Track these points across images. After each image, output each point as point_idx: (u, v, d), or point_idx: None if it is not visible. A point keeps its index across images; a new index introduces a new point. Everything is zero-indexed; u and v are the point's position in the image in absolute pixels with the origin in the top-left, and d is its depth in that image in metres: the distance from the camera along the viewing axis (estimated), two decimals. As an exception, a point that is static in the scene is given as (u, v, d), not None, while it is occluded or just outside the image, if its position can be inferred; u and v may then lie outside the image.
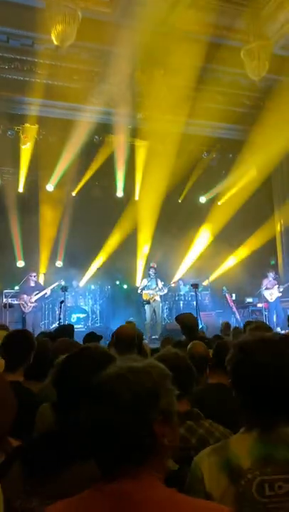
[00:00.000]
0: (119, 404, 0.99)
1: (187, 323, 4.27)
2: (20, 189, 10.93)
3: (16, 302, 9.79)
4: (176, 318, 4.48)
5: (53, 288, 9.79)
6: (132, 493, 0.96)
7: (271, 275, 10.58)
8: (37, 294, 9.63)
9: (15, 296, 9.95)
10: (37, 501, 1.21)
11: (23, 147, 10.49)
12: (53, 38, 7.44)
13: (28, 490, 1.25)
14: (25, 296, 9.56)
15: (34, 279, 9.82)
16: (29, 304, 9.52)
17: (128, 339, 3.50)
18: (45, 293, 9.73)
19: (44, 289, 9.76)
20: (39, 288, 9.76)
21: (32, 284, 9.75)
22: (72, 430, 1.31)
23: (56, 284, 9.85)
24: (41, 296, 9.72)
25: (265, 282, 10.54)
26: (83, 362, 1.52)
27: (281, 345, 1.44)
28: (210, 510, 1.02)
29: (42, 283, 10.24)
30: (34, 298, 9.59)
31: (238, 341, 1.50)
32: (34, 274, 9.92)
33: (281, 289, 10.28)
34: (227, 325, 6.44)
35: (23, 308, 9.52)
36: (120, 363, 1.08)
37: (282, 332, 6.51)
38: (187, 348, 3.15)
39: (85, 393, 1.13)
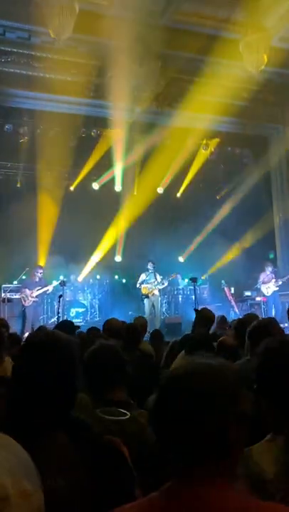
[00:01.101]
0: (204, 403, 0.94)
1: (206, 316, 4.32)
2: (18, 184, 10.89)
3: (14, 297, 9.80)
4: (196, 310, 4.62)
5: (59, 283, 9.81)
6: (211, 501, 0.91)
7: (269, 269, 10.58)
8: (39, 289, 9.66)
9: (14, 290, 9.96)
10: None
11: (20, 141, 10.44)
12: (50, 30, 7.37)
13: None
14: (27, 290, 9.60)
15: (40, 275, 9.85)
16: (30, 298, 9.55)
17: (115, 329, 3.60)
18: (47, 289, 9.76)
19: (47, 285, 9.78)
20: (42, 284, 9.78)
21: (36, 279, 9.79)
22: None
23: (58, 282, 9.90)
24: (43, 293, 9.76)
25: (262, 276, 10.54)
26: None
27: None
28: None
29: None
30: (36, 293, 9.62)
31: (263, 348, 1.45)
32: (41, 270, 9.93)
33: (279, 283, 10.28)
34: (223, 319, 6.37)
35: (24, 302, 9.55)
36: (195, 360, 1.04)
37: (281, 326, 6.49)
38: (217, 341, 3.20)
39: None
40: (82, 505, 1.16)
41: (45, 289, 9.72)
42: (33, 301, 9.60)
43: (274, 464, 1.23)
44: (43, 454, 1.06)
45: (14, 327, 8.17)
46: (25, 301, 9.54)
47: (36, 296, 9.64)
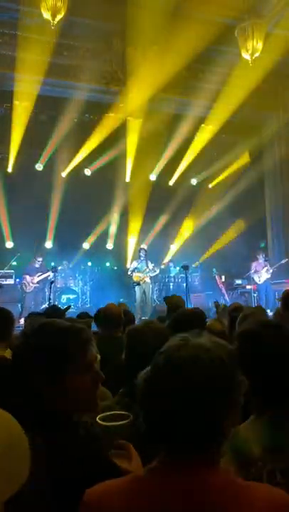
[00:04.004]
0: (204, 387, 0.92)
1: (175, 304, 4.31)
2: (10, 169, 10.74)
3: (5, 282, 9.77)
4: (165, 299, 4.55)
5: (54, 268, 9.85)
6: (198, 481, 0.91)
7: (261, 257, 10.64)
8: (40, 275, 9.77)
9: (4, 276, 9.92)
10: None
11: (11, 125, 10.27)
12: (43, 11, 7.22)
13: None
14: (27, 276, 9.73)
15: (39, 262, 9.97)
16: (31, 285, 9.68)
17: (115, 318, 3.53)
18: (48, 275, 9.84)
19: (48, 271, 9.86)
20: (43, 270, 9.88)
21: (37, 265, 9.91)
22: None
23: (60, 267, 10.03)
24: (44, 278, 9.83)
25: (254, 265, 10.60)
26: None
27: (284, 330, 1.44)
28: (284, 497, 0.95)
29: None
30: (37, 279, 9.73)
31: (242, 330, 1.48)
32: (40, 258, 10.02)
33: (271, 271, 10.36)
34: (218, 304, 6.41)
35: (25, 288, 9.66)
36: (189, 339, 1.00)
37: (271, 313, 6.56)
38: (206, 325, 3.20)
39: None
40: None
41: (46, 274, 9.82)
42: (34, 287, 9.72)
43: (260, 443, 1.27)
44: None
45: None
46: (26, 287, 9.65)
47: (38, 282, 9.75)
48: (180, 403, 0.92)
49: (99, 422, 1.31)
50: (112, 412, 1.37)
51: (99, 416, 1.33)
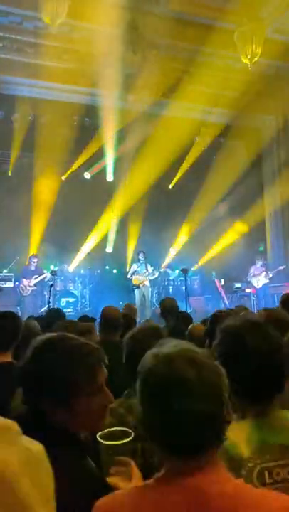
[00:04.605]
0: (202, 393, 0.93)
1: (167, 306, 4.33)
2: (10, 172, 10.75)
3: (4, 286, 9.76)
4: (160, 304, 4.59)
5: (54, 271, 9.80)
6: (208, 486, 0.91)
7: (259, 262, 10.66)
8: (36, 277, 9.71)
9: (3, 279, 9.92)
10: None
11: (12, 129, 10.31)
12: (43, 16, 7.27)
13: None
14: (24, 280, 9.67)
15: (34, 263, 9.87)
16: (28, 288, 9.62)
17: (114, 320, 3.53)
18: (45, 276, 9.79)
19: (44, 272, 9.81)
20: (39, 272, 9.82)
21: (32, 267, 9.83)
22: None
23: (57, 268, 9.94)
24: (41, 280, 9.79)
25: (252, 269, 10.62)
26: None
27: (267, 327, 1.42)
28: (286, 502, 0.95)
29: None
30: (33, 282, 9.68)
31: (225, 326, 1.45)
32: (35, 259, 9.95)
33: (270, 276, 10.36)
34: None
35: (22, 292, 9.61)
36: (177, 346, 1.01)
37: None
38: (188, 329, 3.21)
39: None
40: None
41: (42, 276, 9.76)
42: (32, 290, 9.66)
43: (248, 443, 1.27)
44: None
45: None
46: (23, 290, 9.60)
47: (35, 285, 9.69)
48: (188, 406, 0.93)
49: (100, 440, 1.29)
50: (114, 429, 1.35)
51: (99, 433, 1.31)
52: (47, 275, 9.80)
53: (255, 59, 8.39)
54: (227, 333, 1.42)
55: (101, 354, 1.33)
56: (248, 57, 8.36)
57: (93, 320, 4.04)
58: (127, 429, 1.34)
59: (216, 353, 1.40)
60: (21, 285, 9.68)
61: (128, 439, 1.30)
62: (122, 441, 1.29)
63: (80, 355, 1.27)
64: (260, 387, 1.33)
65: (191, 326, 3.38)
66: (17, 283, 9.92)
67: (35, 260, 9.94)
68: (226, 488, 0.92)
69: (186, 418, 0.92)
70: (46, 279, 9.84)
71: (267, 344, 1.34)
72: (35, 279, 9.71)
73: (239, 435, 1.29)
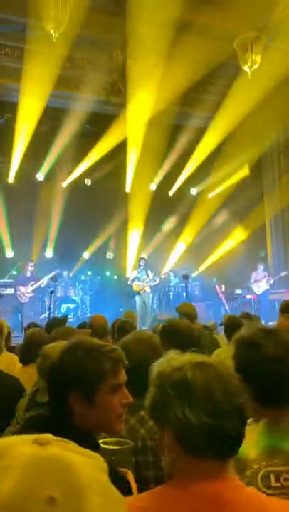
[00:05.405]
0: (228, 403, 0.95)
1: (187, 312, 4.30)
2: (10, 179, 10.76)
3: (5, 292, 9.76)
4: (177, 308, 4.55)
5: (51, 277, 9.80)
6: (221, 493, 0.91)
7: (260, 267, 10.67)
8: (33, 284, 9.70)
9: (5, 286, 9.92)
10: None
11: (13, 135, 10.34)
12: (45, 24, 7.33)
13: None
14: (21, 287, 9.65)
15: (30, 269, 9.87)
16: (26, 295, 9.61)
17: (100, 329, 3.56)
18: (42, 283, 9.79)
19: (40, 279, 9.80)
20: (35, 278, 9.82)
21: (28, 274, 9.83)
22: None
23: (53, 274, 9.90)
24: (38, 287, 9.78)
25: (254, 275, 10.62)
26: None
27: (284, 335, 1.45)
28: None
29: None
30: (30, 288, 9.67)
31: (242, 335, 1.48)
32: (32, 264, 9.94)
33: (271, 282, 10.36)
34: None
35: (20, 299, 9.61)
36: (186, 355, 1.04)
37: (270, 323, 6.56)
38: None
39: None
40: None
41: (39, 282, 9.75)
42: (30, 297, 9.66)
43: (255, 446, 1.29)
44: None
45: (8, 323, 8.09)
46: (21, 297, 9.59)
47: (32, 291, 9.69)
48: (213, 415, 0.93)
49: (101, 444, 1.31)
50: (114, 439, 1.37)
51: (101, 440, 1.34)
52: (43, 281, 9.77)
53: (255, 67, 8.45)
54: (242, 342, 1.45)
55: (122, 354, 1.39)
56: (248, 65, 8.43)
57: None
58: (126, 440, 1.37)
59: (233, 360, 1.43)
60: (18, 292, 9.63)
61: (127, 446, 1.33)
62: (121, 447, 1.32)
63: (105, 350, 1.36)
64: (273, 393, 1.34)
65: None
66: (8, 288, 9.86)
67: (31, 265, 9.91)
68: (240, 496, 0.93)
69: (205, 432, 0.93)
70: (43, 285, 9.82)
71: (282, 350, 1.37)
72: (32, 285, 9.69)
73: (248, 437, 1.27)
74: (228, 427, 0.93)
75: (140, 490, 1.08)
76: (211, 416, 0.92)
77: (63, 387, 1.30)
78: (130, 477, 1.25)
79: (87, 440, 1.24)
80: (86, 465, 0.49)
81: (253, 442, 1.29)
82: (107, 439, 1.35)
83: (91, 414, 1.27)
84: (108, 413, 1.30)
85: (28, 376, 2.69)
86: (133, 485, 1.24)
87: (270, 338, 1.40)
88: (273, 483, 1.23)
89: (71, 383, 1.28)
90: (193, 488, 0.93)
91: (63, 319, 4.64)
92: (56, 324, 4.15)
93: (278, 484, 1.23)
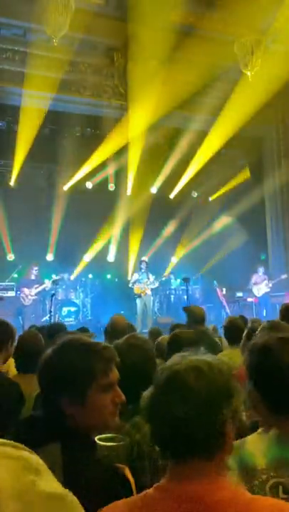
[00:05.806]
0: (199, 399, 0.96)
1: (195, 314, 4.27)
2: (12, 182, 10.79)
3: (6, 295, 9.77)
4: (184, 309, 4.54)
5: (55, 280, 9.82)
6: (204, 495, 0.92)
7: (261, 270, 10.67)
8: (37, 287, 9.76)
9: (5, 289, 9.93)
10: None
11: (14, 139, 10.37)
12: (46, 28, 7.36)
13: None
14: (25, 289, 9.71)
15: (35, 272, 9.93)
16: (29, 297, 9.66)
17: (121, 329, 3.56)
18: (46, 286, 9.83)
19: (43, 282, 9.85)
20: (39, 281, 9.87)
21: (33, 277, 9.89)
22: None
23: (58, 277, 9.97)
24: (42, 290, 9.83)
25: (254, 278, 10.62)
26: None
27: None
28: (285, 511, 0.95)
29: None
30: (34, 291, 9.72)
31: (259, 343, 1.46)
32: (36, 267, 9.99)
33: (270, 284, 10.36)
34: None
35: (23, 301, 9.64)
36: (188, 356, 1.05)
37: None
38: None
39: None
40: None
41: (43, 285, 9.82)
42: (33, 300, 9.71)
43: (265, 455, 1.28)
44: None
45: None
46: (24, 300, 9.63)
47: (36, 294, 9.73)
48: (183, 410, 0.95)
49: (97, 441, 1.32)
50: (110, 436, 1.38)
51: (97, 437, 1.34)
52: (47, 284, 9.82)
53: (255, 69, 8.47)
54: (256, 349, 1.43)
55: (114, 353, 1.38)
56: (248, 67, 8.46)
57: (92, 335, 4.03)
58: (120, 436, 1.38)
59: (246, 367, 1.41)
60: (22, 294, 9.70)
61: (123, 443, 1.34)
62: (115, 444, 1.33)
63: (96, 350, 1.34)
64: (287, 401, 1.32)
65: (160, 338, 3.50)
66: (18, 292, 9.93)
67: (36, 269, 9.98)
68: (224, 497, 0.93)
69: (182, 426, 0.95)
70: (47, 289, 9.86)
71: None
72: (36, 288, 9.75)
73: (258, 446, 1.30)
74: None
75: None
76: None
77: (54, 389, 1.29)
78: (127, 472, 1.25)
79: (82, 439, 1.25)
80: (2, 468, 0.45)
81: (262, 452, 1.28)
82: (102, 436, 1.35)
83: (83, 415, 1.25)
84: (100, 412, 1.29)
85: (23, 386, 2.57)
86: (131, 480, 1.24)
87: (285, 345, 1.37)
88: (281, 495, 1.22)
89: (62, 385, 1.27)
90: (177, 490, 0.94)
91: (63, 325, 4.62)
92: (58, 330, 4.13)
93: (286, 496, 1.22)
